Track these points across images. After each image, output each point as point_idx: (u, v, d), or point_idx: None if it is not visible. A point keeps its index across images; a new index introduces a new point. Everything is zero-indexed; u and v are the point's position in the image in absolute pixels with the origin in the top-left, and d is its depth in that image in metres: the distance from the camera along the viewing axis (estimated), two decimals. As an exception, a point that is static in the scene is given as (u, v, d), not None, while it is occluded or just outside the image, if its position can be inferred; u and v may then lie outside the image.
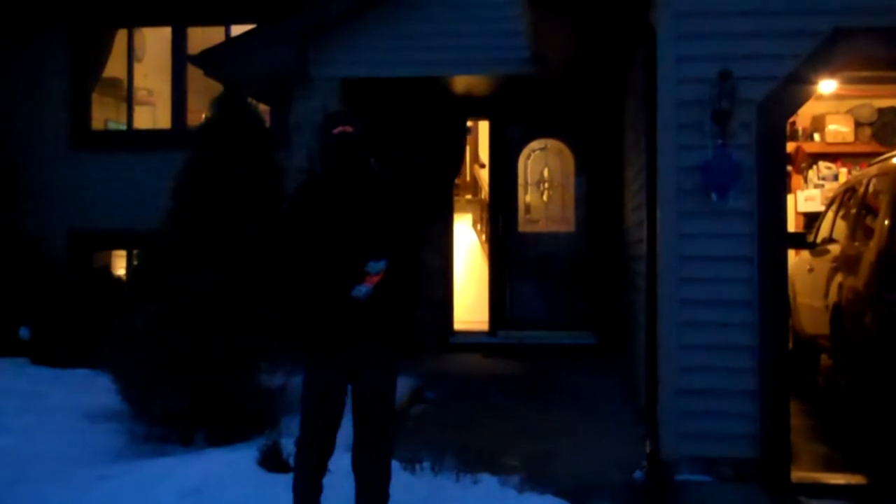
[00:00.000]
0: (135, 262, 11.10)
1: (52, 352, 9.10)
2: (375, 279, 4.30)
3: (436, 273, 11.17)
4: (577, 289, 11.27)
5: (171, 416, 6.40)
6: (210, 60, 9.53)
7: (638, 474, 6.01)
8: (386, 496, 4.54)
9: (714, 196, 5.83)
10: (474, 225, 14.15)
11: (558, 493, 5.54)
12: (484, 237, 13.13)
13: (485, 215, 12.87)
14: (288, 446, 5.29)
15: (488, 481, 5.66)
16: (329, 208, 4.41)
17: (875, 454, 6.42)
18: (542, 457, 6.48)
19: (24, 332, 9.94)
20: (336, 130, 4.37)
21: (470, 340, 11.16)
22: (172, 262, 6.79)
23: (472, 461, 5.94)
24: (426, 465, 5.78)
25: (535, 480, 5.75)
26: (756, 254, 5.84)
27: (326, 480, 4.53)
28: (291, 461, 5.29)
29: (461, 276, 12.15)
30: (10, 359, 9.29)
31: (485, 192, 13.27)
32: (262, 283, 6.29)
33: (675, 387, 5.88)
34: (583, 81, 10.00)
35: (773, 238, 5.87)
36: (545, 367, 9.91)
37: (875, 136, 10.80)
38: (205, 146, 7.14)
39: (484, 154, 13.46)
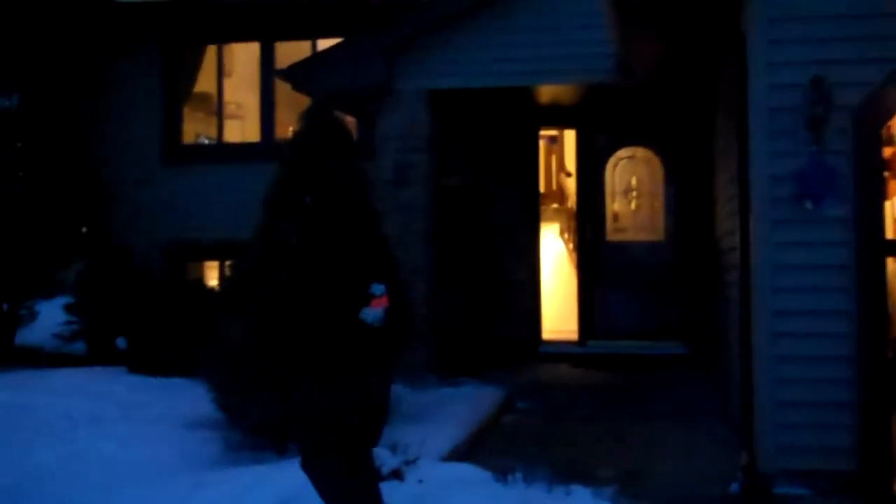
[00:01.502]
0: (227, 274, 11.31)
1: (149, 361, 9.28)
2: (382, 301, 4.17)
3: (524, 283, 11.17)
4: (667, 298, 11.13)
5: (265, 424, 6.49)
6: (297, 75, 9.63)
7: (734, 487, 5.94)
8: None
9: (809, 204, 5.74)
10: (561, 234, 14.09)
11: (653, 506, 5.50)
12: (571, 246, 13.04)
13: (572, 224, 12.77)
14: (381, 455, 5.31)
15: (581, 493, 5.62)
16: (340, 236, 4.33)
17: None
18: (636, 469, 6.44)
19: (120, 342, 10.21)
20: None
21: (559, 350, 11.10)
22: (263, 274, 6.88)
23: (565, 472, 5.90)
24: (518, 475, 5.75)
25: (628, 493, 5.73)
26: (853, 262, 5.73)
27: None
28: (384, 470, 5.34)
29: (549, 285, 12.11)
30: (109, 367, 9.49)
31: (571, 201, 13.18)
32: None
33: (771, 398, 5.80)
34: (671, 89, 9.90)
35: (871, 246, 5.74)
36: (635, 377, 9.83)
37: (976, 139, 10.48)
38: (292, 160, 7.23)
39: (570, 163, 13.40)
